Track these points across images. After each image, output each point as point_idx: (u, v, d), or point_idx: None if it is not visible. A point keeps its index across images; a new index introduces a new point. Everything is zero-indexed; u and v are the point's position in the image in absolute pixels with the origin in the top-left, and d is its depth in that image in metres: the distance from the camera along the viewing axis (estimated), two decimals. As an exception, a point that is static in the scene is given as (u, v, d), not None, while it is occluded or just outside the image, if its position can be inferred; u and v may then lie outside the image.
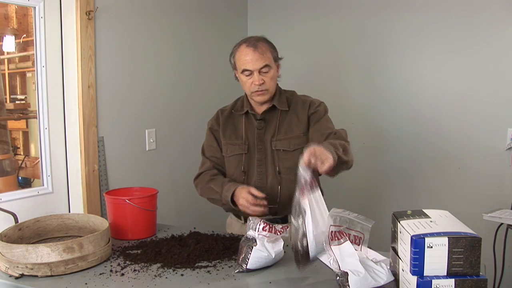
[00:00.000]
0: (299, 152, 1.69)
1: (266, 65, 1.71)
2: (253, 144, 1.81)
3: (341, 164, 1.52)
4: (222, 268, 1.45)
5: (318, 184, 1.67)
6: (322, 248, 1.29)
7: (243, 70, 1.73)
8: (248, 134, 1.82)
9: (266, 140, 1.80)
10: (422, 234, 1.07)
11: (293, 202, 1.35)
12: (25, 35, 2.40)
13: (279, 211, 1.79)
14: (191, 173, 2.37)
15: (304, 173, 1.34)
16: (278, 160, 1.78)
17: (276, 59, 1.77)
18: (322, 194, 1.40)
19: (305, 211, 1.31)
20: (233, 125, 1.86)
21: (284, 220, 1.81)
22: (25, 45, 2.45)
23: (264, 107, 1.81)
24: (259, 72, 1.71)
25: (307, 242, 1.29)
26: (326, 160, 1.36)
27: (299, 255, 1.31)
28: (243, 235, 1.51)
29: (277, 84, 1.85)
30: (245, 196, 1.62)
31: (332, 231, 1.25)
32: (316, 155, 1.36)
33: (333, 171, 1.52)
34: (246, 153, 1.80)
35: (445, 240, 1.06)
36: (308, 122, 1.79)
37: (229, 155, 1.84)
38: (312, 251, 1.29)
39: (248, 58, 1.70)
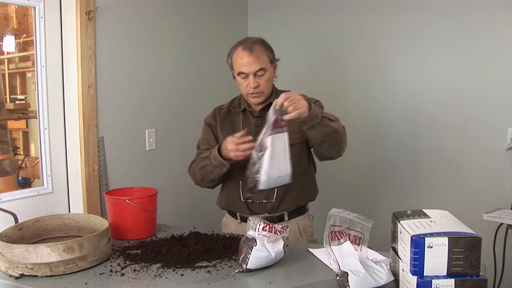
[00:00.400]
0: (296, 148, 1.75)
1: (261, 69, 1.73)
2: None
3: (325, 128, 1.59)
4: (222, 268, 1.45)
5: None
6: (272, 183, 1.39)
7: (239, 73, 1.76)
8: None
9: None
10: (422, 234, 1.07)
11: (257, 137, 1.45)
12: (25, 35, 2.40)
13: (274, 206, 1.80)
14: (191, 173, 2.35)
15: (272, 113, 1.43)
16: None
17: (273, 61, 1.79)
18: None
19: (266, 148, 1.40)
20: (231, 122, 1.88)
21: (281, 219, 1.82)
22: (25, 45, 2.44)
23: (261, 105, 1.84)
24: (255, 75, 1.73)
25: (259, 176, 1.37)
26: (299, 107, 1.48)
27: (248, 185, 1.41)
28: (243, 235, 1.51)
29: (273, 85, 1.87)
30: (230, 140, 1.63)
31: (332, 231, 1.25)
32: (291, 99, 1.46)
33: (321, 135, 1.59)
34: None
35: (445, 240, 1.06)
36: None
37: None
38: (261, 184, 1.38)
39: (244, 61, 1.72)
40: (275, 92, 1.85)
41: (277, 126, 1.47)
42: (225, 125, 1.87)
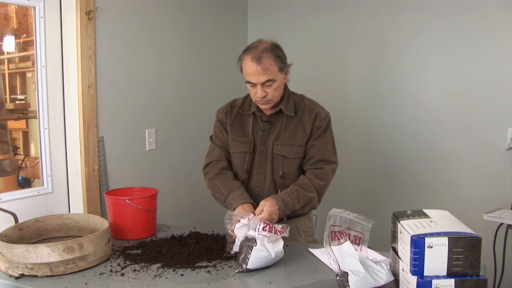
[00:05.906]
0: (298, 160, 1.80)
1: (269, 80, 1.70)
2: (257, 144, 1.82)
3: (301, 210, 1.76)
4: (222, 268, 1.45)
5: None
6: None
7: (247, 81, 1.74)
8: (254, 134, 1.83)
9: (268, 143, 1.81)
10: (422, 234, 1.07)
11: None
12: (25, 35, 2.40)
13: None
14: (191, 173, 2.35)
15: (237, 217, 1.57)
16: (277, 165, 1.79)
17: (283, 68, 1.75)
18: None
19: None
20: (241, 122, 1.87)
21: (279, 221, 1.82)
22: (25, 45, 2.45)
23: (271, 110, 1.81)
24: (262, 85, 1.71)
25: (234, 244, 1.54)
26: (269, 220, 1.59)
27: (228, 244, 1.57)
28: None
29: (286, 87, 1.84)
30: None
31: (332, 231, 1.25)
32: (265, 213, 1.59)
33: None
34: (251, 152, 1.81)
35: (445, 240, 1.06)
36: (311, 133, 1.81)
37: (234, 151, 1.85)
38: (235, 249, 1.53)
39: (251, 71, 1.70)
40: (287, 96, 1.82)
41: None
42: (235, 126, 1.86)
